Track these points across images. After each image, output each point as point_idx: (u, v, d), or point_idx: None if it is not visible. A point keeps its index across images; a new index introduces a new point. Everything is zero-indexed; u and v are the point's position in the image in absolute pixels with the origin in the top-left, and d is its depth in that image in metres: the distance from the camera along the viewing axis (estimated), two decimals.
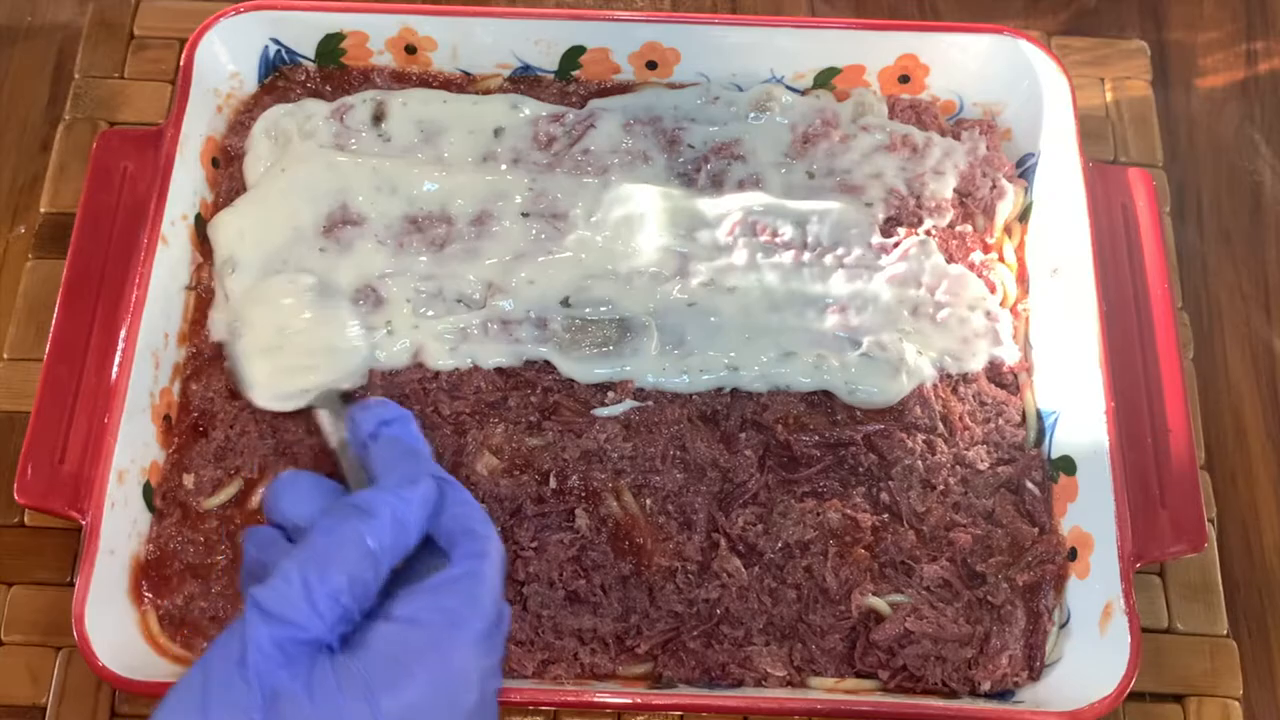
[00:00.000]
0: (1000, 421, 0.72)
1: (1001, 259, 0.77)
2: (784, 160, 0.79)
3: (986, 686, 0.66)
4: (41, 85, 0.85)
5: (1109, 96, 0.87)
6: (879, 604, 0.67)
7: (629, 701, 0.64)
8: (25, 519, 0.73)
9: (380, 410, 0.60)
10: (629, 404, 0.71)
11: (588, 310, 0.73)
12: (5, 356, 0.77)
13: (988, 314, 0.75)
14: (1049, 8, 0.90)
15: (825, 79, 0.81)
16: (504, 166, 0.78)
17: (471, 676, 0.52)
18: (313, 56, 0.80)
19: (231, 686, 0.49)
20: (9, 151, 0.83)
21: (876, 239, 0.76)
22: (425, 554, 0.55)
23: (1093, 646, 0.65)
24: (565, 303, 0.73)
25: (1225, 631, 0.72)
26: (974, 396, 0.73)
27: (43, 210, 0.81)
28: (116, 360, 0.67)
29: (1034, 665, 0.67)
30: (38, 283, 0.79)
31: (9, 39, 0.87)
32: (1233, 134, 0.87)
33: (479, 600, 0.53)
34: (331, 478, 0.61)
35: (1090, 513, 0.68)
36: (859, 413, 0.71)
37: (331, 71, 0.81)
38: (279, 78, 0.81)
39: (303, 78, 0.81)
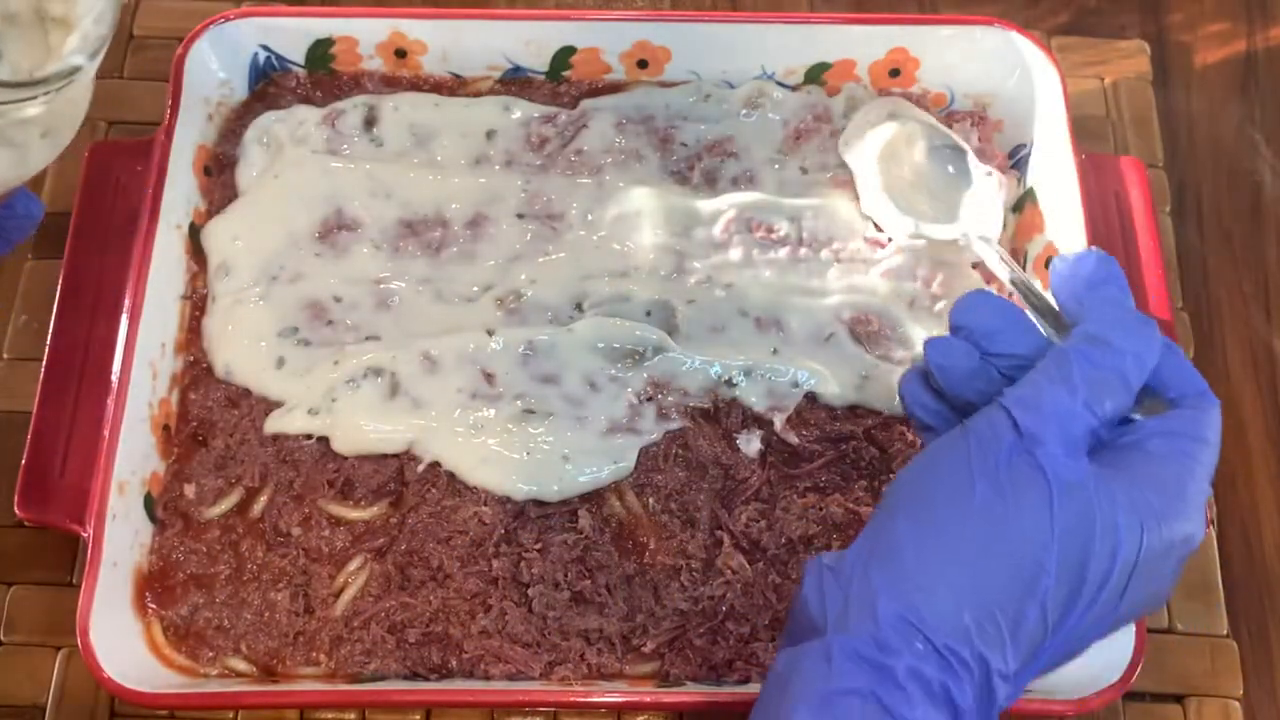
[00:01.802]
0: None
1: None
2: (777, 156, 0.86)
3: None
4: None
5: (1109, 96, 0.95)
6: None
7: (637, 700, 0.70)
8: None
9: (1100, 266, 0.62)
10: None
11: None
12: (5, 356, 0.84)
13: None
14: (1049, 7, 0.98)
15: (816, 74, 0.88)
16: (497, 168, 0.85)
17: (1200, 527, 0.57)
18: (303, 62, 0.88)
19: (1015, 466, 0.55)
20: None
21: (871, 233, 0.83)
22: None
23: None
24: (579, 307, 0.81)
25: (1225, 631, 0.79)
26: None
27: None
28: (115, 371, 0.74)
29: None
30: (38, 283, 0.86)
31: None
32: (1233, 134, 0.95)
33: (1212, 454, 0.58)
34: None
35: None
36: (859, 407, 0.78)
37: (322, 77, 0.88)
38: (269, 84, 0.88)
39: (293, 84, 0.88)
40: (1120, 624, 0.57)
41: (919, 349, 0.80)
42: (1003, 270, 0.74)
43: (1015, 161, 0.87)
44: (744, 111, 0.87)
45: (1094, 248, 0.66)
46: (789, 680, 0.54)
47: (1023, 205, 0.85)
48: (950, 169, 0.82)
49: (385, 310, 0.81)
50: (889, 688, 0.52)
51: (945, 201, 0.81)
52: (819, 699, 0.52)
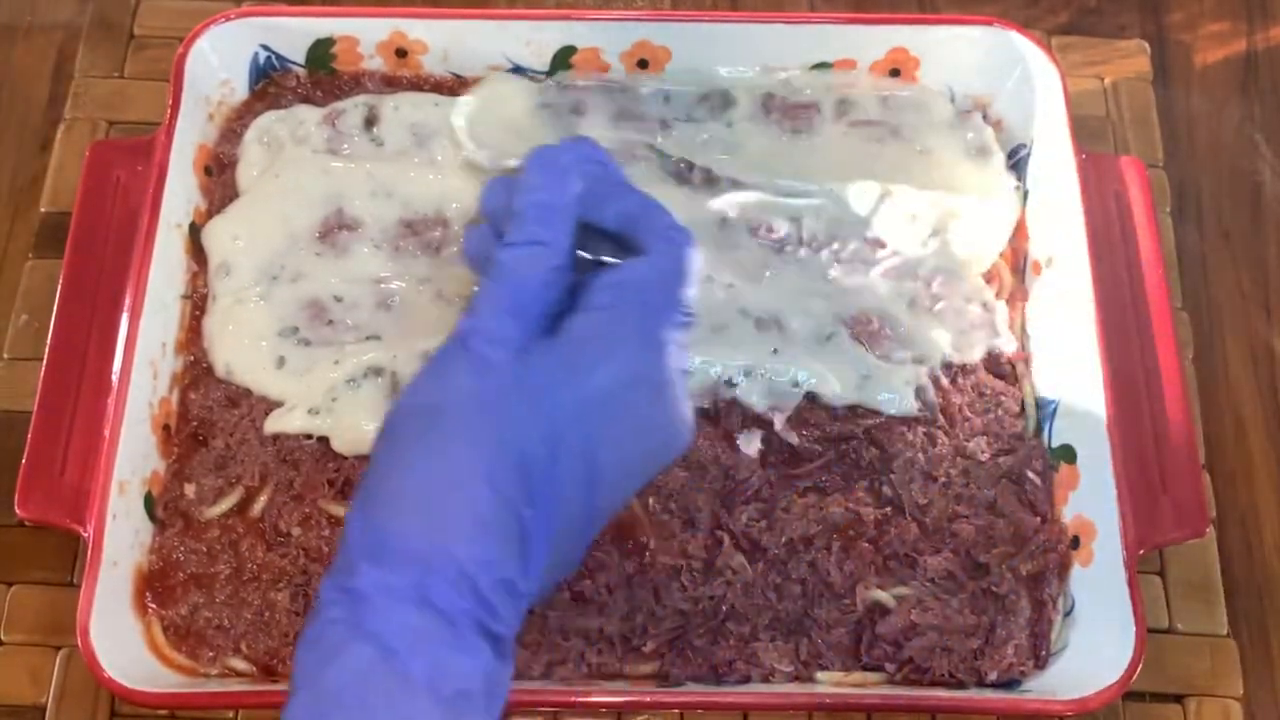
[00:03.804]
0: (1000, 412, 0.80)
1: None
2: (777, 156, 0.86)
3: (993, 676, 0.73)
4: (41, 85, 0.93)
5: (1109, 96, 0.95)
6: (884, 597, 0.74)
7: (637, 700, 0.70)
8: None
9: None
10: None
11: None
12: (5, 356, 0.84)
13: (984, 305, 0.82)
14: (1049, 7, 0.98)
15: (816, 75, 0.88)
16: None
17: (664, 363, 0.59)
18: (303, 62, 0.88)
19: (452, 359, 0.58)
20: (9, 151, 0.91)
21: (871, 233, 0.84)
22: (609, 242, 0.63)
23: (1098, 633, 0.71)
24: None
25: (1225, 631, 0.79)
26: (973, 388, 0.80)
27: (42, 210, 0.88)
28: (115, 371, 0.74)
29: (1040, 654, 0.74)
30: (38, 283, 0.86)
31: (9, 39, 0.95)
32: (1233, 134, 0.95)
33: (671, 291, 0.60)
34: None
35: (1091, 500, 0.74)
36: (859, 407, 0.78)
37: (322, 77, 0.88)
38: (270, 84, 0.88)
39: (294, 84, 0.88)
40: (628, 480, 0.59)
41: (919, 349, 0.80)
42: None
43: (1015, 161, 0.87)
44: (744, 111, 0.87)
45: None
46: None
47: (1022, 205, 0.85)
48: None
49: (385, 310, 0.81)
50: (356, 606, 0.53)
51: None
52: (311, 640, 0.54)
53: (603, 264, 0.62)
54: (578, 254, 0.61)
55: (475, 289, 0.61)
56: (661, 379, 0.59)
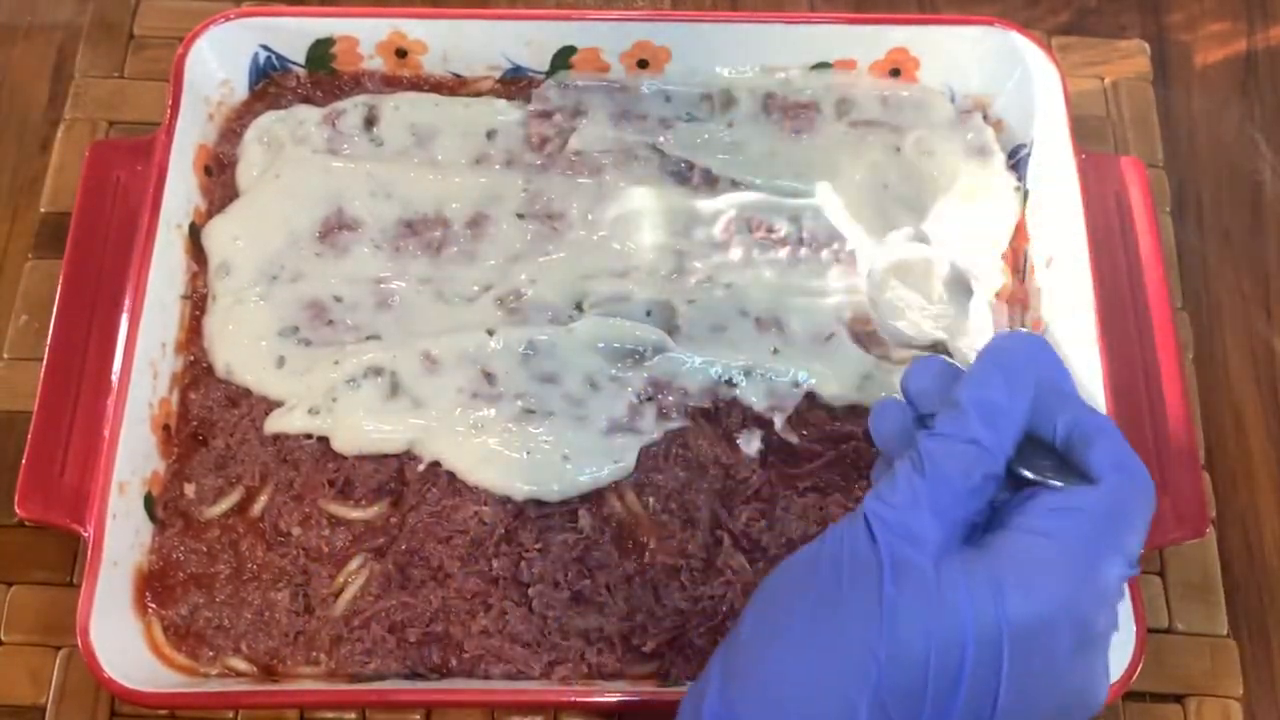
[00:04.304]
0: None
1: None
2: (777, 156, 0.86)
3: None
4: (41, 85, 0.93)
5: (1109, 96, 0.95)
6: None
7: (637, 700, 0.70)
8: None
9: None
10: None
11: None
12: (5, 356, 0.85)
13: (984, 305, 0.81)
14: (1049, 7, 0.99)
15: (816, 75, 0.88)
16: (498, 168, 0.86)
17: (1102, 612, 0.53)
18: (303, 62, 0.88)
19: (857, 551, 0.52)
20: (9, 151, 0.91)
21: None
22: (1054, 459, 0.55)
23: None
24: (579, 307, 0.81)
25: (1225, 631, 0.79)
26: None
27: (42, 210, 0.88)
28: (115, 371, 0.74)
29: None
30: (38, 283, 0.86)
31: (9, 39, 0.95)
32: (1233, 134, 0.95)
33: (1123, 533, 0.53)
34: None
35: None
36: (859, 407, 0.78)
37: (322, 77, 0.88)
38: (270, 84, 0.88)
39: (293, 84, 0.88)
40: None
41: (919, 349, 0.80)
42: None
43: (1015, 161, 0.87)
44: (743, 111, 0.88)
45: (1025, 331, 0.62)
46: None
47: (1022, 205, 0.85)
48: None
49: (385, 310, 0.81)
50: None
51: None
52: None
53: (1034, 484, 0.55)
54: (1014, 469, 0.54)
55: (882, 472, 0.56)
56: (1092, 630, 0.52)
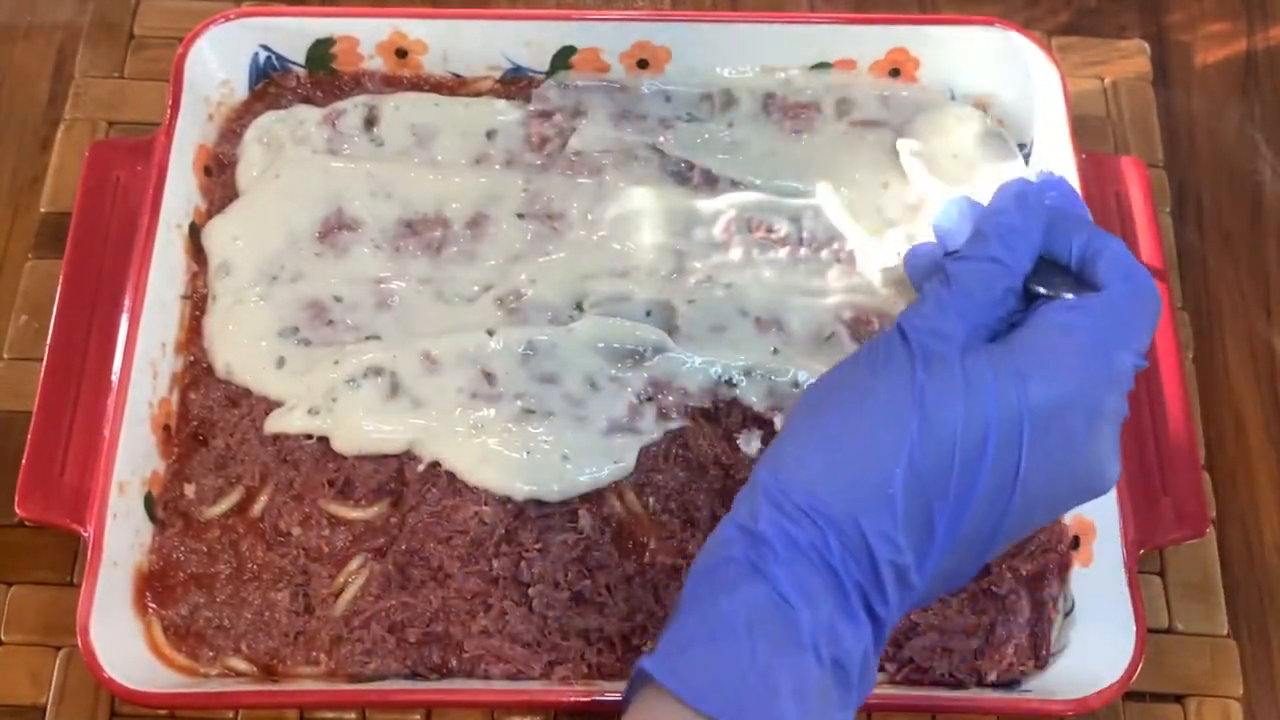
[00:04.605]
0: None
1: None
2: (777, 156, 0.86)
3: (993, 677, 0.73)
4: (41, 85, 0.93)
5: (1109, 96, 0.95)
6: None
7: None
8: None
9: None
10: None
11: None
12: (5, 356, 0.85)
13: None
14: (1049, 7, 0.99)
15: (816, 74, 0.88)
16: (498, 168, 0.86)
17: (1111, 396, 0.56)
18: (303, 62, 0.88)
19: (892, 350, 0.57)
20: (9, 151, 0.91)
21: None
22: (1069, 279, 0.60)
23: (1098, 634, 0.72)
24: (579, 307, 0.81)
25: (1225, 631, 0.79)
26: None
27: (43, 210, 0.88)
28: (115, 371, 0.74)
29: (1040, 654, 0.74)
30: (38, 283, 0.86)
31: (9, 39, 0.95)
32: (1233, 134, 0.95)
33: (1130, 330, 0.57)
34: None
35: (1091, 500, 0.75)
36: None
37: (322, 77, 0.88)
38: (270, 84, 0.88)
39: (293, 84, 0.88)
40: (1042, 507, 0.57)
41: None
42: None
43: None
44: (743, 111, 0.88)
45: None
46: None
47: None
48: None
49: (385, 310, 0.81)
50: (758, 547, 0.54)
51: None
52: (706, 570, 0.55)
53: (1049, 298, 0.59)
54: (1031, 287, 0.59)
55: (916, 297, 0.60)
56: (1103, 411, 0.56)
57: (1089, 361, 0.56)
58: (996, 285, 0.58)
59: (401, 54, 0.88)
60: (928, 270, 0.62)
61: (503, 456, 0.76)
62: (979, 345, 0.57)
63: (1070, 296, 0.58)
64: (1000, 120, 0.88)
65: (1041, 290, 0.59)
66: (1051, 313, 0.57)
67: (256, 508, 0.77)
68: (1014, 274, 0.58)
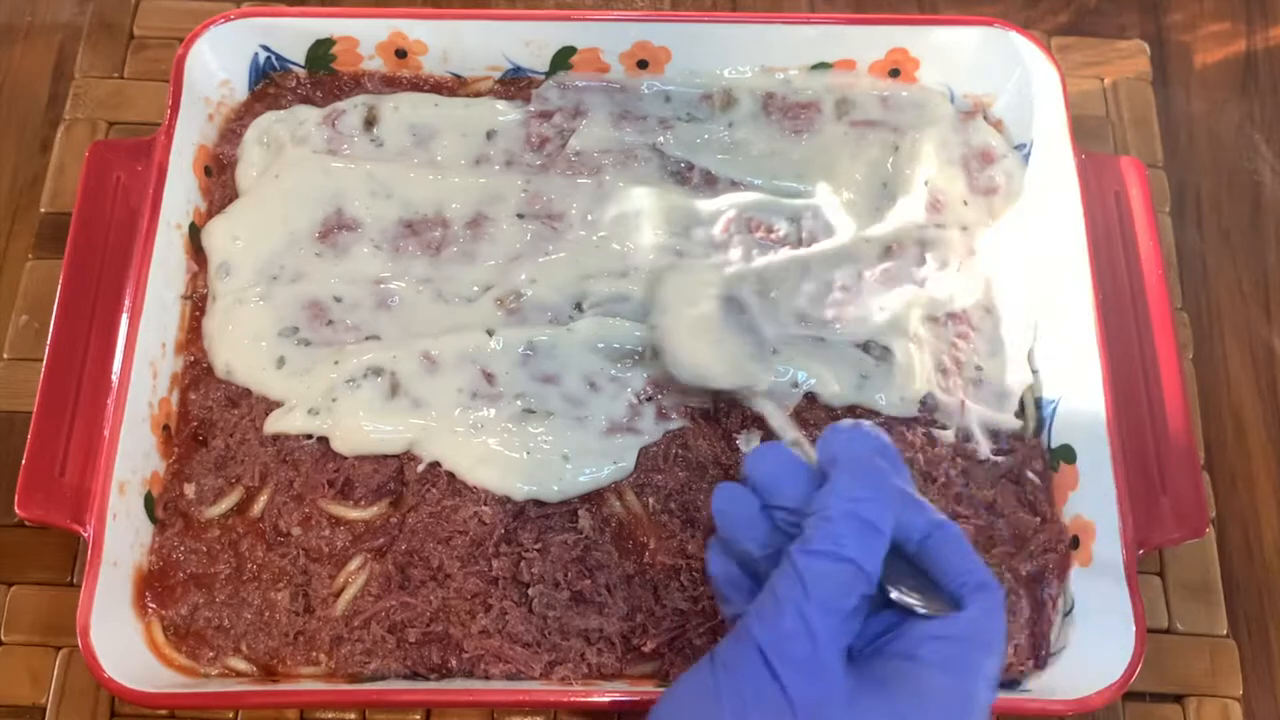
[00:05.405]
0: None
1: None
2: (776, 156, 0.87)
3: None
4: (41, 85, 0.93)
5: (1109, 96, 0.95)
6: None
7: (637, 700, 0.70)
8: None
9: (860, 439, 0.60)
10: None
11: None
12: (5, 356, 0.85)
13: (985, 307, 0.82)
14: (1049, 7, 0.99)
15: (816, 74, 0.88)
16: (497, 168, 0.86)
17: (986, 703, 0.55)
18: (303, 63, 0.88)
19: (762, 694, 0.53)
20: (9, 151, 0.91)
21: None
22: (920, 580, 0.57)
23: (1097, 633, 0.72)
24: (579, 307, 0.81)
25: (1225, 631, 0.79)
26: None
27: (42, 210, 0.89)
28: (115, 371, 0.74)
29: (1040, 654, 0.74)
30: (38, 283, 0.86)
31: (9, 39, 0.95)
32: (1233, 134, 0.95)
33: (997, 639, 0.56)
34: None
35: (1091, 501, 0.75)
36: (858, 407, 0.79)
37: (322, 77, 0.88)
38: (270, 84, 0.88)
39: (293, 84, 0.88)
40: None
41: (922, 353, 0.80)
42: (786, 433, 0.70)
43: None
44: (744, 111, 0.88)
45: (865, 424, 0.62)
46: None
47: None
48: None
49: (385, 310, 0.81)
50: None
51: None
52: None
53: (896, 605, 0.56)
54: (884, 587, 0.56)
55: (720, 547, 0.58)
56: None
57: (954, 703, 0.53)
58: (854, 593, 0.54)
59: (401, 54, 0.88)
60: (743, 523, 0.59)
61: (502, 456, 0.76)
62: (866, 690, 0.53)
63: (922, 610, 0.55)
64: (1000, 120, 0.88)
65: (898, 597, 0.56)
66: (920, 643, 0.54)
67: (256, 508, 0.77)
68: (871, 579, 0.55)
